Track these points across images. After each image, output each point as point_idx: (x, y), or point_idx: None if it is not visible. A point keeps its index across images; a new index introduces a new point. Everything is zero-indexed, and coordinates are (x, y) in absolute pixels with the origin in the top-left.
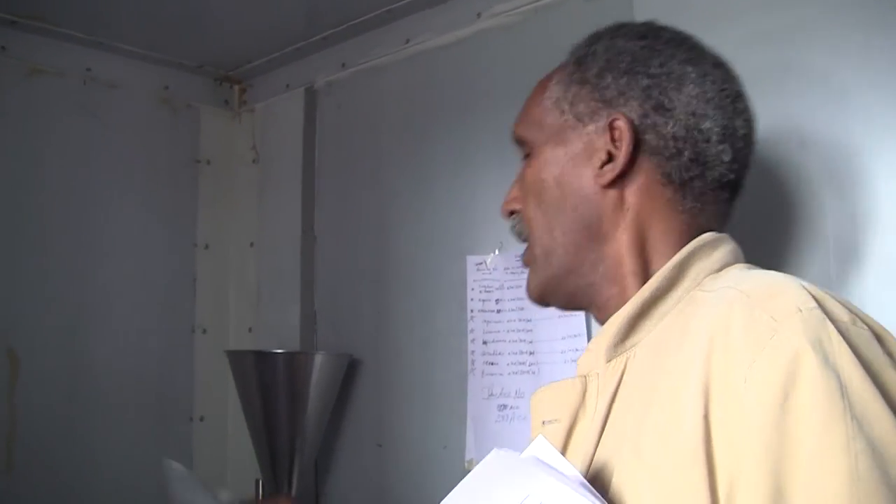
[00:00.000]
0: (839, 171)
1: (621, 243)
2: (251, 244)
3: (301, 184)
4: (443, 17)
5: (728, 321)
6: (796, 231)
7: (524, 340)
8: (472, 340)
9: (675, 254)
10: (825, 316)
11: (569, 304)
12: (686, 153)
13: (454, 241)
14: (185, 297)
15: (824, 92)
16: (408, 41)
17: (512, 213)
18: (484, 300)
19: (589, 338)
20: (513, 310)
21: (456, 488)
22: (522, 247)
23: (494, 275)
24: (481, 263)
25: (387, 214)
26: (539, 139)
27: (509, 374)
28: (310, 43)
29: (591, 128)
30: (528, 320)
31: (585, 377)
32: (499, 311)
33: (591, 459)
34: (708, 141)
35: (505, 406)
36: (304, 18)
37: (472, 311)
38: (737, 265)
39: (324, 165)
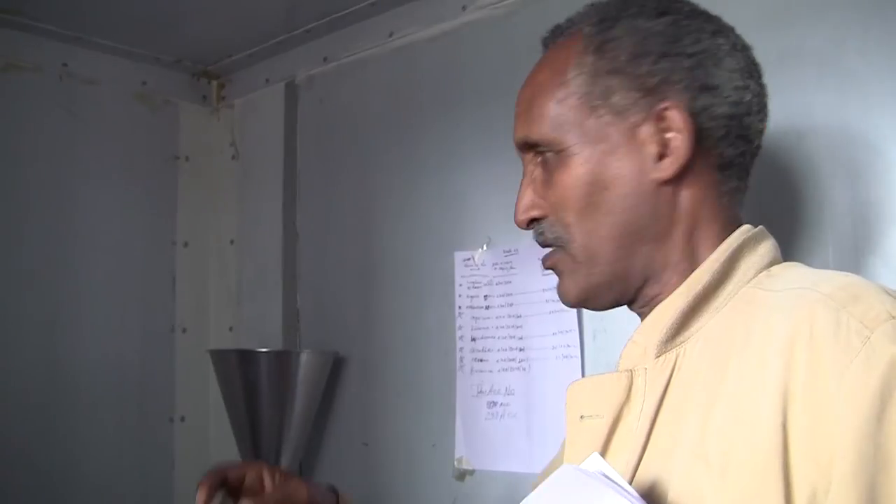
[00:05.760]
0: (840, 161)
1: (676, 240)
2: (231, 241)
3: (282, 180)
4: (428, 10)
5: (811, 325)
6: (794, 222)
7: (514, 337)
8: (461, 337)
9: (718, 242)
10: None
11: (611, 306)
12: (734, 131)
13: (441, 236)
14: (164, 295)
15: (826, 79)
16: (391, 34)
17: (532, 220)
18: (472, 296)
19: (581, 334)
20: (501, 306)
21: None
22: (511, 241)
23: (483, 270)
24: (469, 259)
25: (372, 210)
26: (568, 139)
27: (499, 370)
28: (290, 36)
29: (633, 120)
30: (518, 316)
31: (631, 372)
32: (487, 308)
33: (640, 458)
34: (749, 113)
35: (495, 403)
36: (284, 11)
37: (459, 307)
38: (787, 262)
39: (306, 161)
